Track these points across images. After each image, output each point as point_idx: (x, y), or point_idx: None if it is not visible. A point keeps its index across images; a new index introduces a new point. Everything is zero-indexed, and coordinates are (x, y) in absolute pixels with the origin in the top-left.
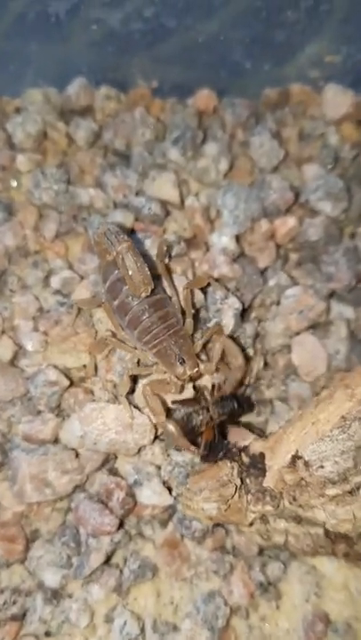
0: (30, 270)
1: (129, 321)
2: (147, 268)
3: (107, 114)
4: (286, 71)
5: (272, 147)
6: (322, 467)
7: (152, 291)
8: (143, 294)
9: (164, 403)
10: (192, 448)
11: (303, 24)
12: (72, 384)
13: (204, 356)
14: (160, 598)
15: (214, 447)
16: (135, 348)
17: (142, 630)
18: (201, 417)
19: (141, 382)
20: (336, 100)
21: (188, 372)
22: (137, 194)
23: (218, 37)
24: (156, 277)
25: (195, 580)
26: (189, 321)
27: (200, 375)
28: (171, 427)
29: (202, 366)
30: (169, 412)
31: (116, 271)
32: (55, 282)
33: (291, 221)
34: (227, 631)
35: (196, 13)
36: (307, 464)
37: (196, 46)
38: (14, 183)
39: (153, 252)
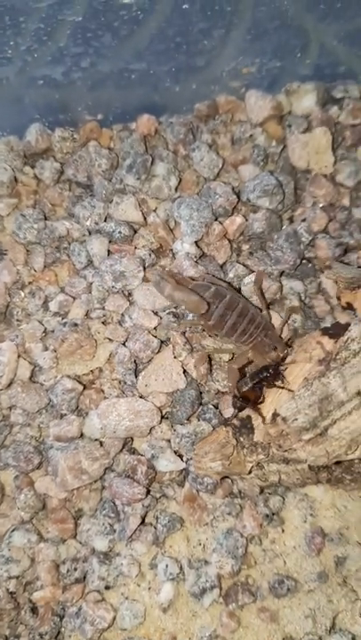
0: (29, 300)
1: (225, 332)
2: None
3: (65, 152)
4: (211, 87)
5: (211, 158)
6: (296, 419)
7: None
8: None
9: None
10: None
11: (219, 49)
12: (85, 387)
13: None
14: (190, 542)
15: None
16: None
17: (181, 569)
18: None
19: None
20: (257, 104)
21: (282, 355)
22: (105, 219)
23: (148, 72)
24: None
25: (214, 523)
26: (265, 312)
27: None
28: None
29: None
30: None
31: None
32: (53, 306)
33: (238, 220)
34: (247, 556)
35: (127, 58)
36: (284, 419)
37: (130, 82)
38: None
39: (130, 267)
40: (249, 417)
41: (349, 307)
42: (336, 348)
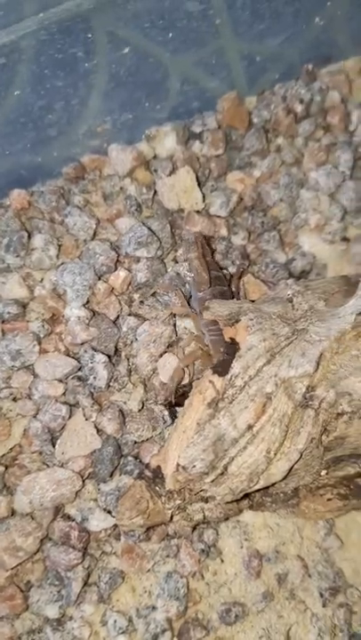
0: None
1: None
2: None
3: None
4: (72, 150)
5: (83, 221)
6: (194, 466)
7: None
8: None
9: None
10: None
11: (66, 118)
12: (7, 467)
13: None
14: (136, 591)
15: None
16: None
17: (130, 620)
18: None
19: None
20: (119, 157)
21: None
22: None
23: (4, 154)
24: None
25: (156, 568)
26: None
27: None
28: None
29: None
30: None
31: None
32: None
33: (121, 274)
34: (191, 594)
35: None
36: (184, 468)
37: None
38: None
39: (24, 344)
40: (159, 467)
41: (233, 342)
42: (223, 386)
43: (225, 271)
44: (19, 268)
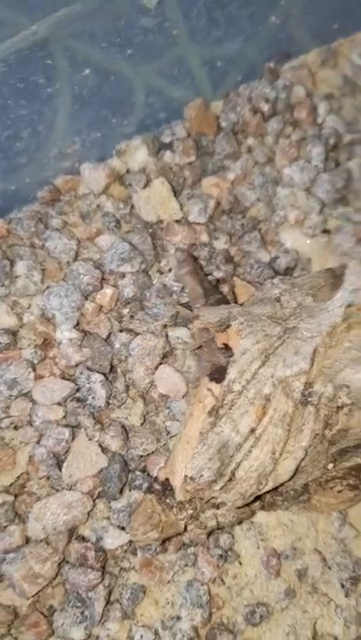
0: None
1: None
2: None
3: None
4: (45, 174)
5: (64, 243)
6: (202, 475)
7: None
8: None
9: None
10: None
11: (35, 144)
12: (17, 495)
13: None
14: (159, 604)
15: None
16: None
17: (156, 633)
18: None
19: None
20: (92, 175)
21: None
22: None
23: None
24: None
25: (175, 578)
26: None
27: None
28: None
29: None
30: None
31: None
32: None
33: (108, 291)
34: (213, 600)
35: None
36: (192, 478)
37: None
38: None
39: (19, 372)
40: (167, 479)
41: (226, 347)
42: (222, 392)
43: (211, 277)
44: (5, 297)
